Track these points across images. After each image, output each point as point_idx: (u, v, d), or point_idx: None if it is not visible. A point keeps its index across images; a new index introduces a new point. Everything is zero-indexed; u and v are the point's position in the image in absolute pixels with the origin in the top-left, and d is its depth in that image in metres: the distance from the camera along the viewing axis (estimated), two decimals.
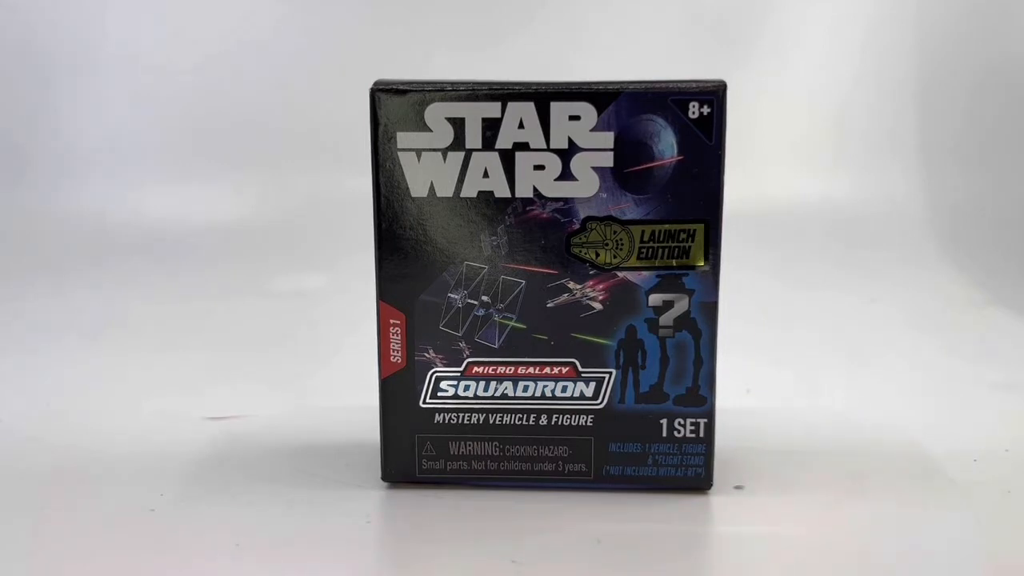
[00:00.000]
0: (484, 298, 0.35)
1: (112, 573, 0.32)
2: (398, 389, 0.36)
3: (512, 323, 0.35)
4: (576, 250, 0.34)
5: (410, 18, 0.83)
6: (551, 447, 0.36)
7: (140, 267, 0.71)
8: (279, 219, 0.78)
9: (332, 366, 0.51)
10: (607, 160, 0.33)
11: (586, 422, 0.36)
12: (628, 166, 0.34)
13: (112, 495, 0.37)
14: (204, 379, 0.49)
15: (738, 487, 0.37)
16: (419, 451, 0.36)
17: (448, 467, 0.36)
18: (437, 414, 0.36)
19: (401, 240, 0.34)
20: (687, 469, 0.36)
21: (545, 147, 0.34)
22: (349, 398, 0.43)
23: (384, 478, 0.36)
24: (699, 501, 0.36)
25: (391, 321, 0.35)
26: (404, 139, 0.34)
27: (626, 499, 0.36)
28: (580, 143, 0.33)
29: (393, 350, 0.35)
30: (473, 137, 0.34)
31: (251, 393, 0.47)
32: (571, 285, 0.34)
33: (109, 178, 0.80)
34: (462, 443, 0.36)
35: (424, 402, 0.36)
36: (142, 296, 0.65)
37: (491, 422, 0.36)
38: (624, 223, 0.34)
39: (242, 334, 0.57)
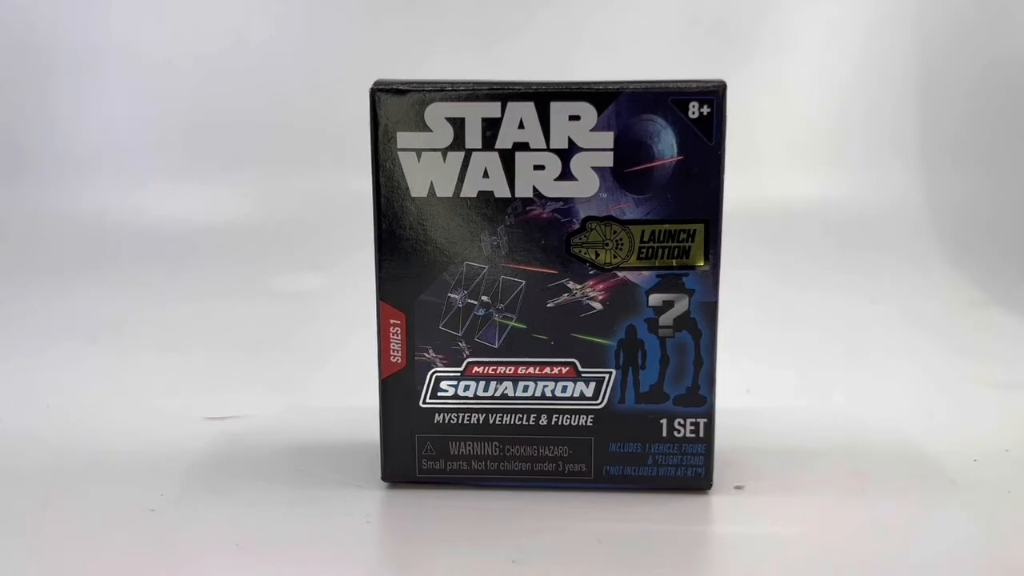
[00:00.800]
0: (484, 298, 0.35)
1: (112, 573, 0.32)
2: (398, 389, 0.36)
3: (512, 323, 0.35)
4: (576, 250, 0.34)
5: (410, 18, 0.83)
6: (551, 447, 0.36)
7: (140, 267, 0.71)
8: (279, 219, 0.78)
9: (332, 366, 0.51)
10: (607, 160, 0.33)
11: (586, 422, 0.36)
12: (628, 166, 0.34)
13: (112, 495, 0.37)
14: (204, 379, 0.49)
15: (738, 487, 0.37)
16: (419, 451, 0.36)
17: (448, 467, 0.36)
18: (437, 414, 0.36)
19: (401, 240, 0.34)
20: (687, 469, 0.36)
21: (545, 147, 0.34)
22: (349, 398, 0.43)
23: (384, 478, 0.36)
24: (699, 501, 0.36)
25: (391, 321, 0.35)
26: (404, 139, 0.34)
27: (626, 499, 0.36)
28: (580, 143, 0.33)
29: (393, 350, 0.35)
30: (473, 137, 0.34)
31: (251, 393, 0.47)
32: (571, 285, 0.35)
33: (109, 178, 0.80)
34: (462, 443, 0.36)
35: (424, 402, 0.36)
36: (142, 296, 0.65)
37: (491, 422, 0.36)
38: (624, 223, 0.34)
39: (242, 334, 0.57)
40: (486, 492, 0.36)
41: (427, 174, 0.34)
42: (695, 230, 0.34)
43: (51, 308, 0.62)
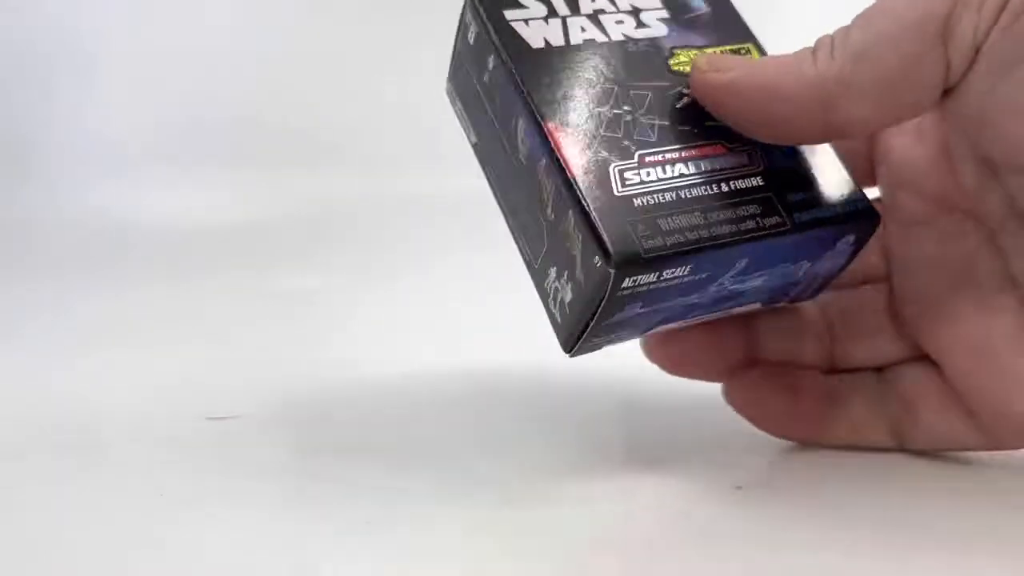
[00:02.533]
0: (625, 107, 0.38)
1: (112, 572, 0.32)
2: (592, 183, 0.36)
3: (656, 121, 0.37)
4: (675, 68, 0.39)
5: (411, 19, 0.83)
6: (744, 207, 0.37)
7: (140, 267, 0.71)
8: (279, 219, 0.78)
9: (331, 366, 0.51)
10: (664, 13, 0.40)
11: (758, 183, 0.37)
12: (682, 15, 0.40)
13: (111, 495, 0.37)
14: (204, 379, 0.49)
15: (738, 487, 0.37)
16: (635, 232, 0.36)
17: (667, 242, 0.36)
18: (635, 199, 0.36)
19: (539, 76, 0.38)
20: (855, 204, 0.38)
21: (616, 9, 0.40)
22: (348, 398, 0.44)
23: (612, 266, 0.35)
24: (699, 501, 0.36)
25: (557, 136, 0.37)
26: (509, 15, 0.39)
27: (626, 499, 0.36)
28: (640, 4, 0.40)
29: (571, 155, 0.36)
30: (561, 6, 0.39)
31: (251, 393, 0.47)
32: (687, 91, 0.38)
33: (110, 178, 0.81)
34: (669, 218, 0.36)
35: (619, 191, 0.36)
36: (142, 296, 0.65)
37: (684, 196, 0.37)
38: (700, 47, 0.40)
39: (242, 334, 0.57)
40: (490, 494, 0.36)
41: (538, 33, 0.38)
42: (747, 48, 0.40)
43: (51, 308, 0.62)
